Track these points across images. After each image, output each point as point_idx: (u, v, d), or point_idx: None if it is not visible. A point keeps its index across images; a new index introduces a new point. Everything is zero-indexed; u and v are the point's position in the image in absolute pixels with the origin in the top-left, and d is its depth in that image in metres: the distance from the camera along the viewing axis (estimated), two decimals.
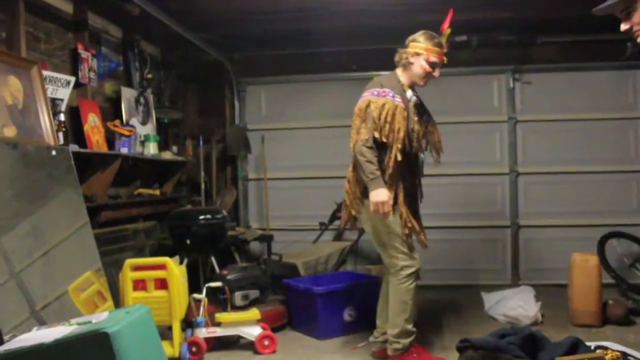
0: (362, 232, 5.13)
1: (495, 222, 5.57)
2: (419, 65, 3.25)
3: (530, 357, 2.62)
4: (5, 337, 2.51)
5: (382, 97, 3.16)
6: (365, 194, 3.22)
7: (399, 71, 3.34)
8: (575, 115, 5.43)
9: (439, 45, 3.26)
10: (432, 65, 3.24)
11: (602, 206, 5.39)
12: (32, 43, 3.56)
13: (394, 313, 3.26)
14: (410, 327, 3.27)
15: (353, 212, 3.36)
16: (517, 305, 4.11)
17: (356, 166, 3.24)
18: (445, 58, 3.30)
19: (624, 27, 1.98)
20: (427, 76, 3.29)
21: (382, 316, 3.44)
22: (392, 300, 3.28)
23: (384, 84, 3.23)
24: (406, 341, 3.26)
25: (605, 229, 5.05)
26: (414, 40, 3.28)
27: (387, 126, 3.12)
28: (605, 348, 2.78)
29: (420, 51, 3.23)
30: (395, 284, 3.26)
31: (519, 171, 5.55)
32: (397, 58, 3.32)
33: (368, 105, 3.15)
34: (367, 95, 3.20)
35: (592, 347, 2.78)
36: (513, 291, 4.36)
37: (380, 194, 3.08)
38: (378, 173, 3.09)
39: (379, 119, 3.12)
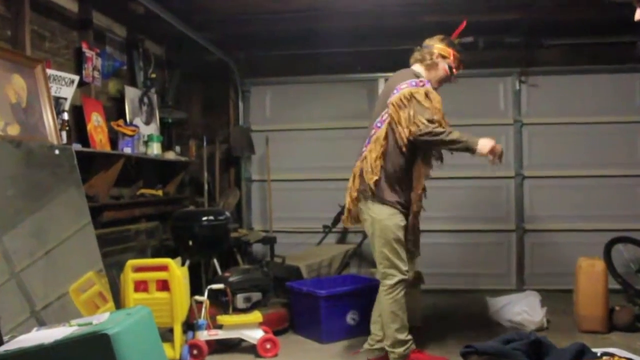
0: (365, 235, 5.08)
1: (501, 226, 5.54)
2: (442, 68, 3.26)
3: None
4: (5, 338, 2.50)
5: (421, 87, 3.12)
6: (371, 195, 3.17)
7: (420, 69, 3.29)
8: (581, 119, 5.40)
9: (460, 52, 3.30)
10: (453, 70, 3.28)
11: (609, 210, 5.34)
12: (37, 42, 3.57)
13: (385, 323, 3.21)
14: (402, 336, 3.20)
15: (350, 207, 3.33)
16: (522, 311, 4.08)
17: (362, 171, 3.19)
18: (462, 65, 3.32)
19: (639, 16, 1.95)
20: (446, 80, 3.31)
21: (377, 322, 3.37)
22: (382, 310, 3.23)
23: (418, 75, 3.20)
24: (400, 350, 3.20)
25: (612, 233, 4.99)
26: (436, 43, 3.27)
27: (440, 113, 3.11)
28: (612, 355, 2.76)
29: (446, 54, 3.26)
30: (381, 294, 3.21)
31: (524, 174, 5.52)
32: (418, 56, 3.30)
33: (412, 96, 3.08)
34: (406, 86, 3.12)
35: (598, 354, 2.76)
36: (518, 296, 4.33)
37: (485, 143, 3.04)
38: (463, 133, 3.06)
39: (431, 105, 3.08)
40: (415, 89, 3.10)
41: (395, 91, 3.14)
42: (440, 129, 3.04)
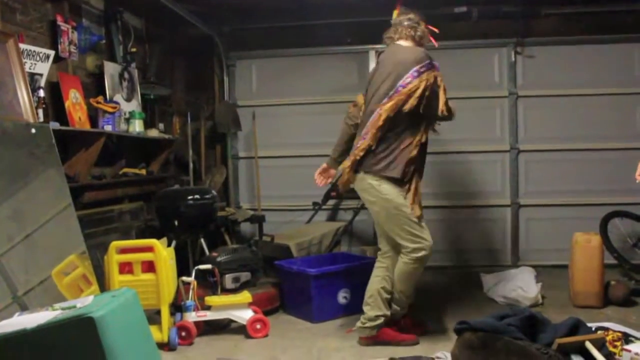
0: (356, 212, 5.07)
1: (495, 201, 5.51)
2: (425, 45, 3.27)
3: (530, 338, 2.62)
4: None
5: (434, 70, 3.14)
6: (370, 170, 3.16)
7: (414, 44, 3.25)
8: (579, 91, 5.34)
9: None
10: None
11: (606, 184, 5.31)
12: (7, 14, 3.41)
13: (399, 282, 3.27)
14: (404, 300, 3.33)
15: (343, 186, 3.36)
16: (516, 287, 4.08)
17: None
18: None
19: None
20: None
21: (368, 304, 3.35)
22: (397, 275, 3.27)
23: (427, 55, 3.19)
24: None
25: (609, 208, 4.98)
26: (417, 18, 3.25)
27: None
28: (607, 329, 2.88)
29: (426, 30, 3.27)
30: (403, 262, 3.20)
31: (519, 148, 5.48)
32: (411, 32, 3.24)
33: (436, 80, 3.10)
34: (425, 70, 3.08)
35: (593, 328, 2.83)
36: (513, 272, 4.34)
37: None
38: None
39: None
40: (434, 73, 3.11)
41: (414, 72, 3.07)
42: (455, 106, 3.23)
